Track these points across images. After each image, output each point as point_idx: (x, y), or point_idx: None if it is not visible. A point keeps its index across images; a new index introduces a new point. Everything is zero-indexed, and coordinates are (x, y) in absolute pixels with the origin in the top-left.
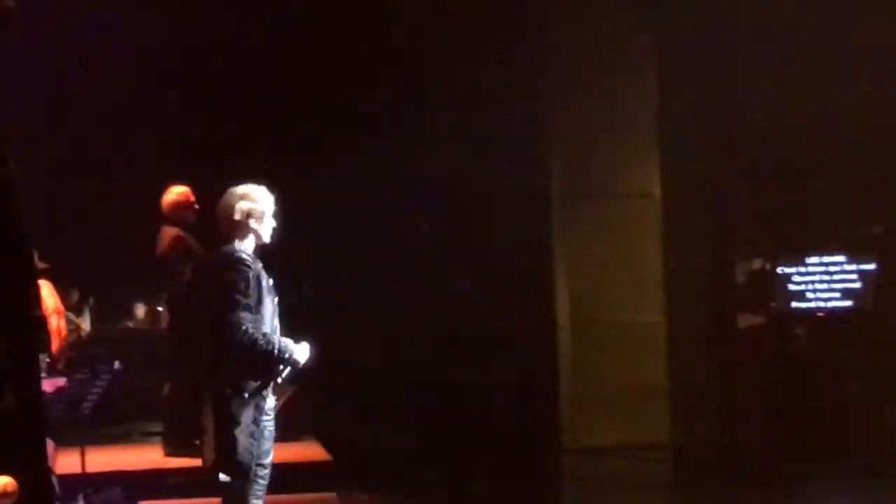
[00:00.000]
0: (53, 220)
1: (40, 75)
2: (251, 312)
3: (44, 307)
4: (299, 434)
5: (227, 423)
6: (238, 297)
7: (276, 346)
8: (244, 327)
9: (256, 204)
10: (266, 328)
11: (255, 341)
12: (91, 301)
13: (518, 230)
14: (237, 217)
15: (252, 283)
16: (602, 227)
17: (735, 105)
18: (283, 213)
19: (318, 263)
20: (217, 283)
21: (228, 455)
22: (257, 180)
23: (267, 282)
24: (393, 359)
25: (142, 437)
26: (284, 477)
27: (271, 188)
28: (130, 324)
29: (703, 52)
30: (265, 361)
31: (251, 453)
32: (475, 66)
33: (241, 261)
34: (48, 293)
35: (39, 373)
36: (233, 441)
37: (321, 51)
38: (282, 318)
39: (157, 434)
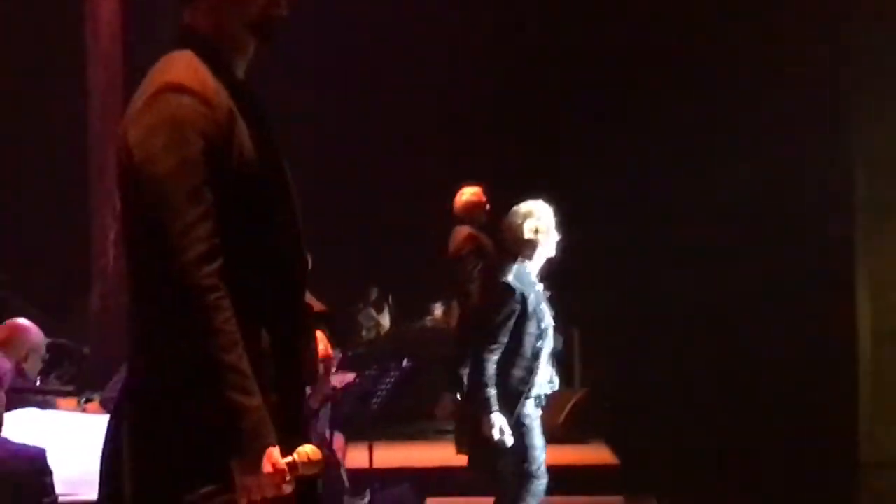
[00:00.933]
0: (356, 219)
1: (338, 77)
2: (496, 343)
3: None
4: (587, 436)
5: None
6: (490, 325)
7: (487, 397)
8: (481, 357)
9: (541, 220)
10: (525, 351)
11: (482, 373)
12: (390, 299)
13: (821, 240)
14: (527, 236)
15: (508, 313)
16: None
17: None
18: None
19: (617, 268)
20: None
21: (488, 459)
22: (553, 188)
23: (538, 304)
24: (687, 364)
25: (436, 435)
26: (570, 479)
27: (560, 197)
28: (428, 323)
29: None
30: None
31: (512, 458)
32: (778, 74)
33: (506, 289)
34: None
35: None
36: (495, 446)
37: (626, 68)
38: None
39: (450, 432)
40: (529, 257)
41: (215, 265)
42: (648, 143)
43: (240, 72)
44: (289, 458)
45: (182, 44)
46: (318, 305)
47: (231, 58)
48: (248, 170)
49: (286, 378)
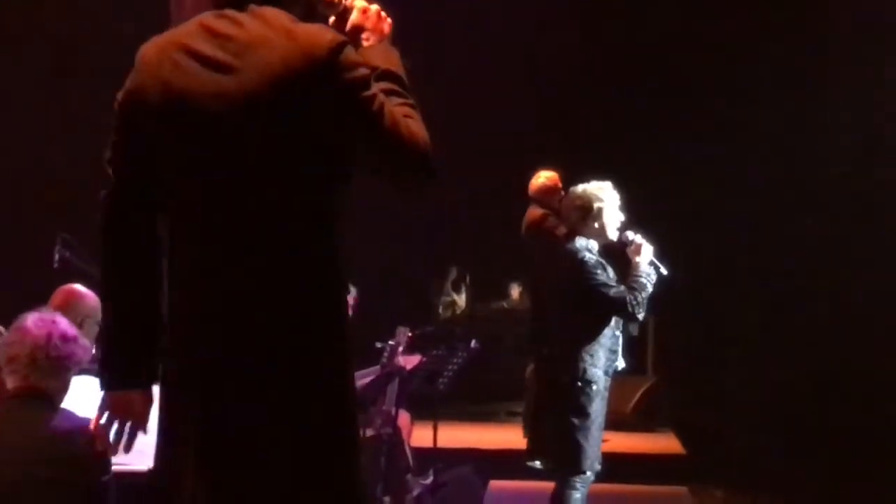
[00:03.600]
0: (438, 198)
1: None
2: (615, 284)
3: None
4: (655, 425)
5: (577, 415)
6: (597, 284)
7: (645, 282)
8: (615, 294)
9: (602, 202)
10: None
11: (635, 298)
12: (467, 279)
13: None
14: (583, 215)
15: (600, 267)
16: None
17: None
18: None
19: (690, 254)
20: (568, 282)
21: (572, 448)
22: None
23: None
24: (757, 352)
25: (507, 417)
26: (636, 467)
27: (631, 181)
28: (505, 304)
29: None
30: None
31: (597, 446)
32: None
33: (587, 261)
34: None
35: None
36: (580, 434)
37: (713, 49)
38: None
39: (518, 414)
40: (585, 236)
41: None
42: (737, 128)
43: None
44: None
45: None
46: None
47: None
48: None
49: None
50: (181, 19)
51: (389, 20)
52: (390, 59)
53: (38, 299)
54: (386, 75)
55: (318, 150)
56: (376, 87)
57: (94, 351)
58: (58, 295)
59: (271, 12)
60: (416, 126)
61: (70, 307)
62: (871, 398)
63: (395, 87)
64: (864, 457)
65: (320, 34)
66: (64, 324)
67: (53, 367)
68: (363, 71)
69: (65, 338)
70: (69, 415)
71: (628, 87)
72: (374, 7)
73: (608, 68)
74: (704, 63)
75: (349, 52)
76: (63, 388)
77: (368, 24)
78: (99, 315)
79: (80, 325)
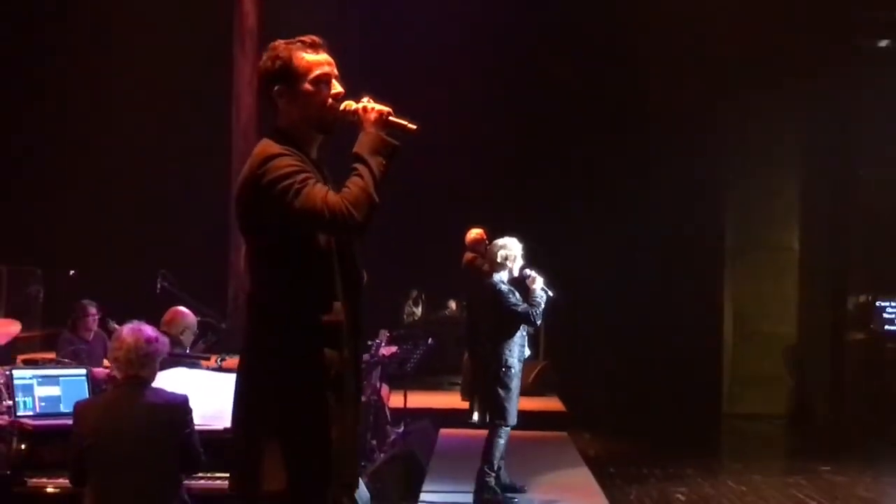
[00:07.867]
0: (406, 243)
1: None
2: (521, 303)
3: None
4: (545, 391)
5: (502, 388)
6: (510, 304)
7: (539, 301)
8: (522, 310)
9: (512, 251)
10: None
11: (535, 312)
12: (423, 296)
13: (697, 270)
14: (499, 260)
15: (511, 293)
16: (757, 269)
17: (852, 183)
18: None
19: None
20: (491, 304)
21: (500, 409)
22: (513, 230)
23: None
24: (616, 348)
25: (448, 386)
26: (531, 421)
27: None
28: (447, 313)
29: (836, 143)
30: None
31: (516, 408)
32: (671, 156)
33: (502, 290)
34: None
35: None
36: (506, 400)
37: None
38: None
39: (457, 384)
40: (499, 272)
41: None
42: (595, 196)
43: (313, 152)
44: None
45: (268, 136)
46: None
47: (304, 144)
48: None
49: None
50: (238, 130)
51: (374, 110)
52: (362, 143)
53: (147, 315)
54: (352, 158)
55: (268, 232)
56: (301, 179)
57: (188, 350)
58: (168, 313)
59: (262, 141)
60: (333, 198)
61: (175, 322)
62: (691, 374)
63: (355, 166)
64: (679, 413)
65: (260, 153)
66: (148, 330)
67: (143, 361)
68: (284, 171)
69: (148, 340)
70: (160, 391)
71: (543, 167)
72: (371, 106)
73: (529, 153)
74: (601, 146)
75: (275, 163)
76: (152, 374)
77: (363, 120)
78: (195, 326)
79: (181, 334)
